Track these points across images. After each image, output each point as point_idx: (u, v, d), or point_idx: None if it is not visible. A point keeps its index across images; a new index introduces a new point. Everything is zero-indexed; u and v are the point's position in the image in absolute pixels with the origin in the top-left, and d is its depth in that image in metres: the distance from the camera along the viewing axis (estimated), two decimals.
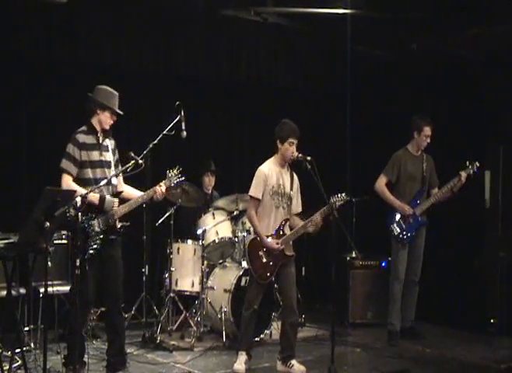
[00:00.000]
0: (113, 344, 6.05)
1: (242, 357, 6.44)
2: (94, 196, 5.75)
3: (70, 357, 5.78)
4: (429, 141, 7.52)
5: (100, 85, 6.07)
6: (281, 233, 6.42)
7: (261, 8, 8.33)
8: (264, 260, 6.37)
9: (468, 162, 7.42)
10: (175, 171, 6.17)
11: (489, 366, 6.79)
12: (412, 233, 7.49)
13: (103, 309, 7.36)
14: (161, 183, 6.06)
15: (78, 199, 5.45)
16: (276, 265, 6.38)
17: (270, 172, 6.43)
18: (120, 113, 6.02)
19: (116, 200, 5.89)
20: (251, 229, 6.98)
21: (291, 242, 6.48)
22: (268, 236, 6.39)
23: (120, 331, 6.09)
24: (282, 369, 6.46)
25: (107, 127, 6.02)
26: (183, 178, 6.23)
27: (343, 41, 8.78)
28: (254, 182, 6.45)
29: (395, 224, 7.49)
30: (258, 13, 8.44)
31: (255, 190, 6.41)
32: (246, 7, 8.31)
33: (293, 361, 6.42)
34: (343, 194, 6.27)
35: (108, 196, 5.84)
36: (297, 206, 6.59)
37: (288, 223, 6.49)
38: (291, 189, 6.49)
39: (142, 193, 6.11)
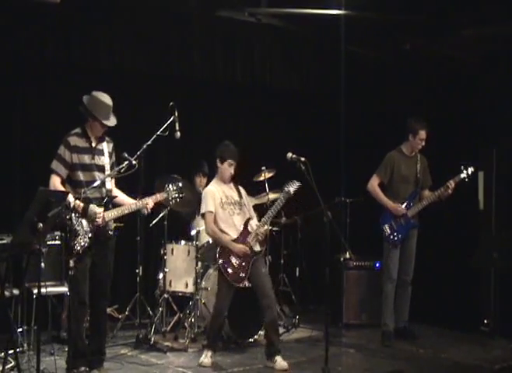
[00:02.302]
0: (93, 343, 6.03)
1: (209, 352, 6.64)
2: (78, 205, 5.69)
3: (72, 360, 5.71)
4: (423, 144, 7.53)
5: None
6: (245, 233, 6.68)
7: (255, 9, 8.34)
8: (237, 263, 6.59)
9: (462, 167, 7.42)
10: (175, 186, 6.19)
11: (482, 366, 6.77)
12: (403, 234, 7.49)
13: None
14: (157, 195, 6.10)
15: (72, 199, 5.44)
16: (249, 263, 6.62)
17: (215, 189, 6.79)
18: (110, 125, 5.92)
19: (100, 210, 5.78)
20: None
21: (260, 238, 6.71)
22: (234, 240, 6.64)
23: (102, 330, 6.09)
24: (267, 365, 6.60)
25: (99, 135, 5.97)
26: (182, 195, 6.27)
27: (337, 42, 8.79)
28: (202, 201, 6.79)
29: (387, 225, 7.50)
30: (253, 14, 8.45)
31: (206, 206, 6.72)
32: (240, 8, 8.31)
33: (277, 357, 6.55)
34: (294, 181, 6.57)
35: (92, 206, 5.74)
36: (249, 213, 6.86)
37: (250, 222, 6.75)
38: (240, 197, 6.84)
39: (132, 200, 6.10)
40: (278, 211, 6.77)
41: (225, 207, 6.72)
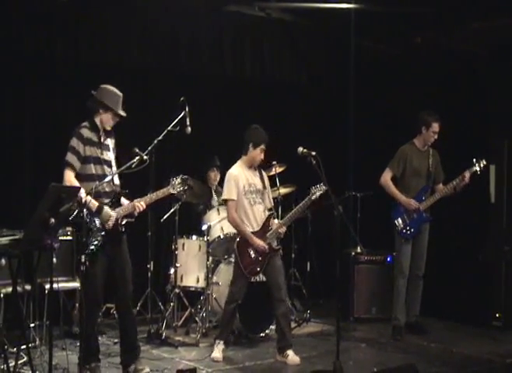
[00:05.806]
0: (123, 342, 6.06)
1: (220, 346, 6.63)
2: (92, 203, 5.66)
3: (85, 357, 5.69)
4: (436, 137, 7.51)
5: (104, 83, 6.01)
6: (266, 228, 6.63)
7: (264, 3, 8.32)
8: (254, 256, 6.57)
9: (474, 160, 7.39)
10: (179, 179, 6.03)
11: (494, 360, 6.78)
12: (416, 228, 7.48)
13: (108, 306, 7.40)
14: (164, 190, 5.97)
15: (83, 195, 5.44)
16: (265, 258, 6.58)
17: (239, 174, 6.65)
18: (123, 115, 5.93)
19: (114, 215, 5.75)
20: None
21: (280, 236, 6.69)
22: (254, 233, 6.59)
23: (129, 329, 6.04)
24: (279, 359, 6.62)
25: (109, 128, 5.95)
26: (186, 187, 6.10)
27: (347, 36, 8.77)
28: (225, 185, 6.66)
29: (399, 219, 7.49)
30: (262, 8, 8.44)
31: (229, 193, 6.61)
32: (250, 2, 8.31)
33: (289, 352, 6.57)
34: (321, 184, 6.43)
35: (106, 208, 5.72)
36: (268, 201, 6.79)
37: (272, 217, 6.69)
38: (262, 184, 6.73)
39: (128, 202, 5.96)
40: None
41: (247, 195, 6.61)
